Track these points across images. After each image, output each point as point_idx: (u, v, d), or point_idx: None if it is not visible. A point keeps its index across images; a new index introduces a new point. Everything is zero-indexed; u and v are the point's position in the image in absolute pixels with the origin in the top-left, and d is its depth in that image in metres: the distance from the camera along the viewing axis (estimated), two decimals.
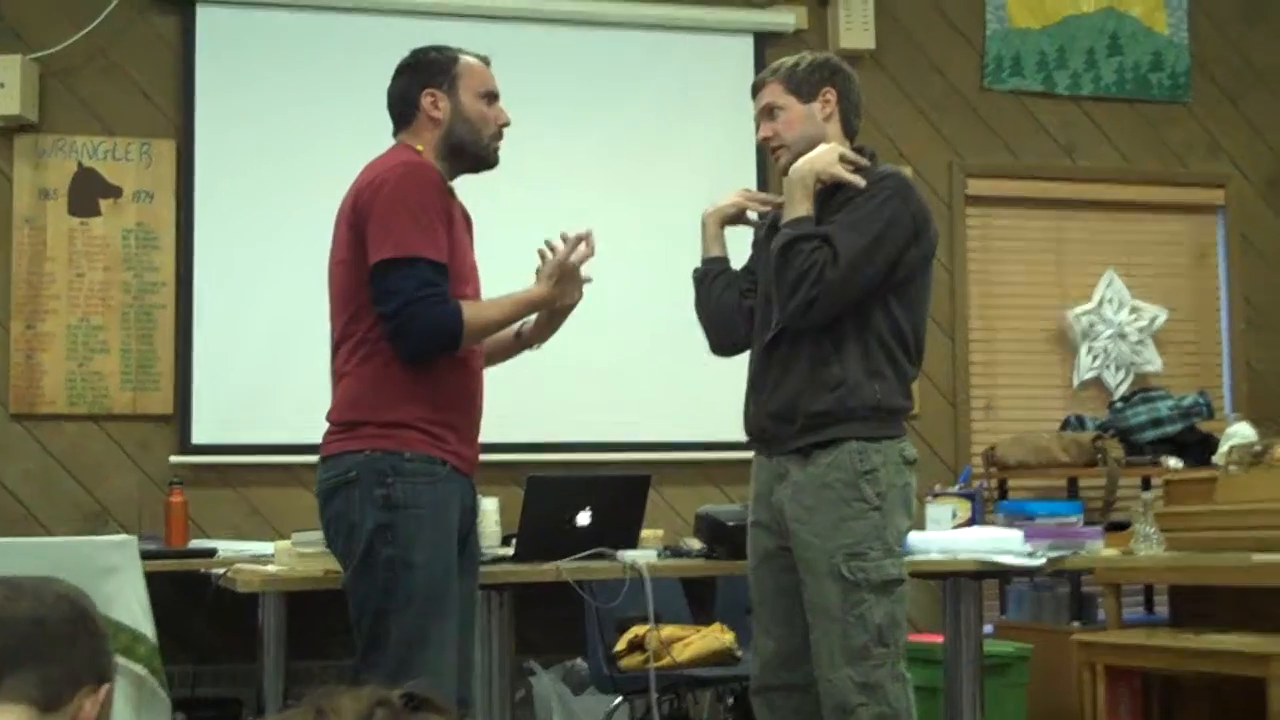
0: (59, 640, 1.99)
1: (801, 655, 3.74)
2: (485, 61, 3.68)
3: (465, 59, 3.64)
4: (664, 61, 6.79)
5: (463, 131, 3.60)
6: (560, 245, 3.67)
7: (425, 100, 3.58)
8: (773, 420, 3.76)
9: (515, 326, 3.84)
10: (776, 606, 3.82)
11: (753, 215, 4.00)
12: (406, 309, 3.36)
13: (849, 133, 3.86)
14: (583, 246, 3.66)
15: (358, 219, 3.46)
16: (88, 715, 2.01)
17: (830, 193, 3.73)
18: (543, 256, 3.70)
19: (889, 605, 3.66)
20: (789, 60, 3.88)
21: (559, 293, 3.65)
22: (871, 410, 3.69)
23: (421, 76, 3.61)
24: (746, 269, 4.03)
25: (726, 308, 3.96)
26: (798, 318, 3.65)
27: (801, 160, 3.74)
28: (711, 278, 3.98)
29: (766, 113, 3.84)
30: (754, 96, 3.91)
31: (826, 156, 3.72)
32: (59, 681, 1.99)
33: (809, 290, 3.60)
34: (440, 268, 3.42)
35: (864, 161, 3.77)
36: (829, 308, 3.62)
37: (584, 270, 3.71)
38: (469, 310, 3.45)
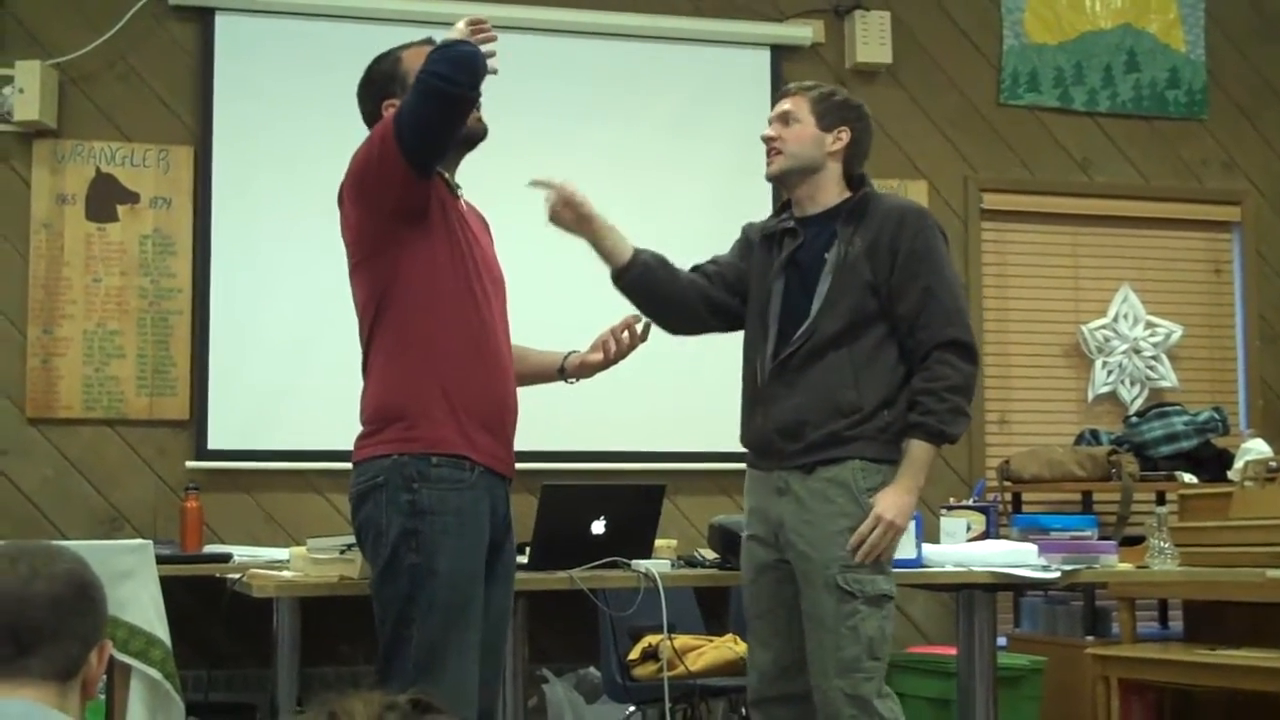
0: (73, 615, 2.07)
1: (799, 666, 3.80)
2: (430, 42, 3.49)
3: (409, 54, 3.54)
4: (681, 74, 6.80)
5: None
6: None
7: (388, 113, 3.44)
8: (779, 435, 3.79)
9: (559, 360, 3.88)
10: (774, 619, 3.86)
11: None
12: (419, 94, 3.26)
13: (847, 174, 3.92)
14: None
15: (350, 197, 3.44)
16: (95, 672, 2.12)
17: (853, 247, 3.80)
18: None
19: (880, 620, 3.71)
20: (826, 87, 3.98)
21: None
22: (878, 431, 3.76)
23: (377, 90, 3.56)
24: (712, 267, 4.05)
25: (684, 291, 3.97)
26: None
27: None
28: (646, 267, 3.92)
29: (782, 118, 3.91)
30: (777, 100, 3.98)
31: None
32: (76, 653, 2.08)
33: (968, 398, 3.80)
34: None
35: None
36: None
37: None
38: (437, 46, 3.31)
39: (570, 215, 3.85)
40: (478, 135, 3.58)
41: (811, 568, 3.70)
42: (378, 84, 3.58)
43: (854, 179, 3.92)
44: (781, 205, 4.01)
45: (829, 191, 3.89)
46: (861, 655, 3.66)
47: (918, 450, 3.75)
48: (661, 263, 3.98)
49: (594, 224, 3.87)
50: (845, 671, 3.65)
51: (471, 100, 3.36)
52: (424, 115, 3.28)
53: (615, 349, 3.86)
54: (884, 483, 3.74)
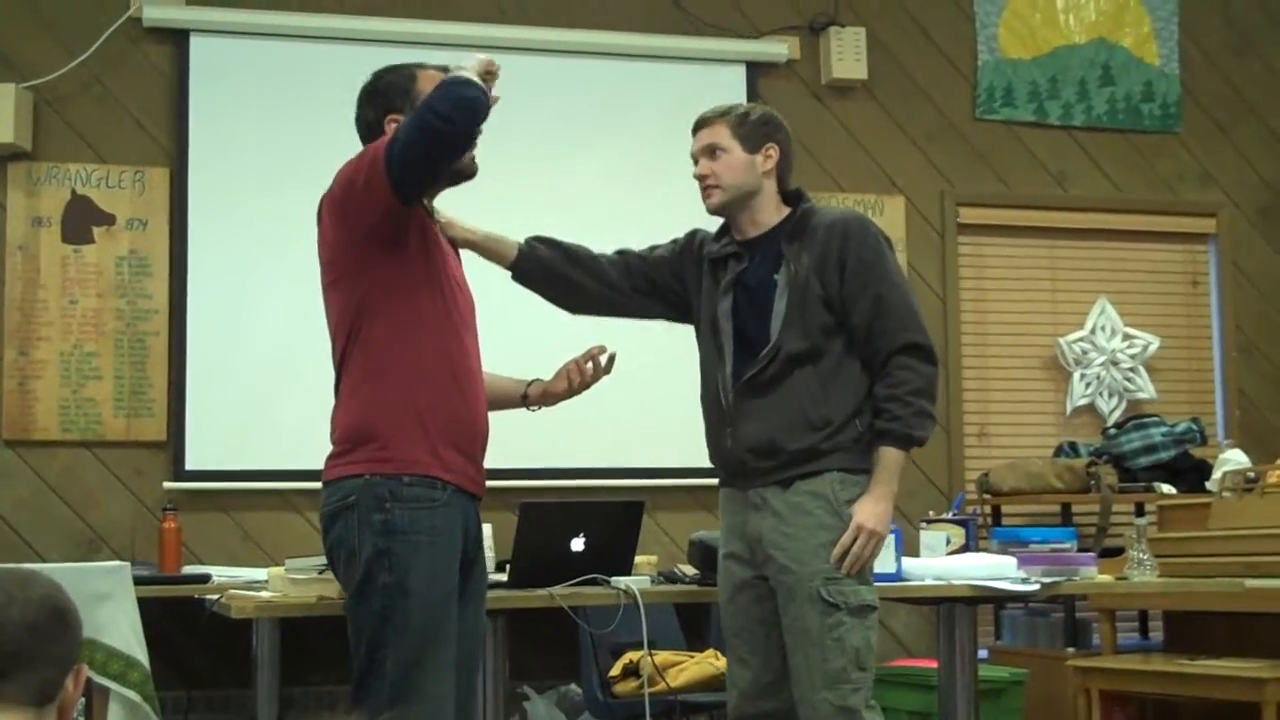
0: (48, 641, 2.07)
1: (778, 683, 3.80)
2: (445, 72, 3.53)
3: (424, 76, 3.54)
4: (657, 91, 6.80)
5: None
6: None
7: (390, 128, 3.47)
8: (753, 454, 3.79)
9: (523, 388, 3.88)
10: (751, 636, 3.85)
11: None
12: (416, 127, 3.26)
13: (781, 188, 3.92)
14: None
15: (327, 222, 3.44)
16: (72, 697, 2.11)
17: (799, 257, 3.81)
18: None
19: (864, 631, 3.71)
20: (739, 107, 3.96)
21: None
22: (853, 442, 3.77)
23: (384, 102, 3.54)
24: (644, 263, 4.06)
25: (574, 273, 3.98)
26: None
27: None
28: (533, 257, 3.94)
29: (708, 151, 3.88)
30: (695, 132, 3.93)
31: None
32: (52, 679, 2.07)
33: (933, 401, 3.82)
34: None
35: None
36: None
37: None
38: (445, 81, 3.31)
39: (456, 235, 3.82)
40: (467, 174, 3.59)
41: (794, 580, 3.70)
42: (385, 96, 3.57)
43: (789, 194, 3.92)
44: (721, 228, 4.00)
45: (768, 212, 3.89)
46: (848, 666, 3.66)
47: (888, 457, 3.76)
48: (552, 247, 3.98)
49: (475, 243, 3.87)
50: (833, 683, 3.65)
51: (467, 142, 3.37)
52: (416, 148, 3.27)
53: (579, 379, 3.88)
54: (861, 493, 3.75)
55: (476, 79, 3.32)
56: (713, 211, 3.93)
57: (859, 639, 3.68)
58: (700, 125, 3.92)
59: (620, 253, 4.07)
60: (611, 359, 3.88)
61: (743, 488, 3.84)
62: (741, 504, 3.84)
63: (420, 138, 3.26)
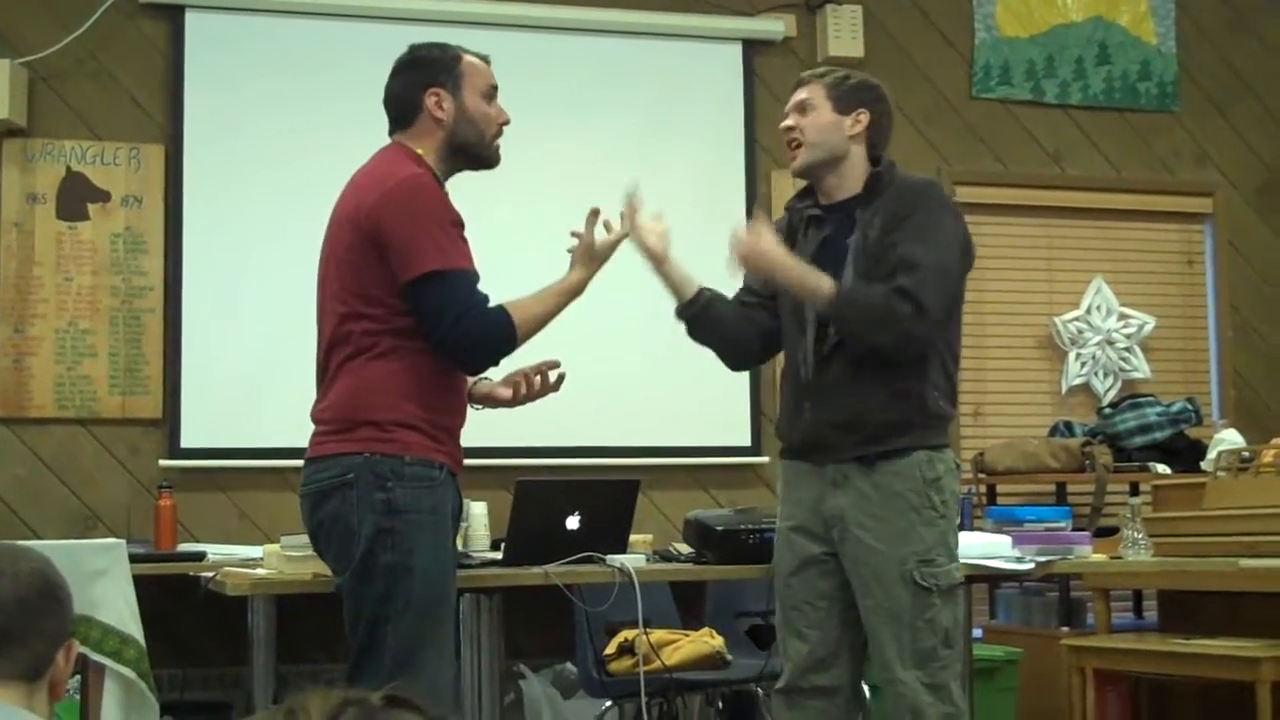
0: (39, 615, 2.07)
1: (832, 659, 3.81)
2: (486, 60, 3.66)
3: (468, 58, 3.62)
4: (653, 69, 6.79)
5: (467, 132, 3.57)
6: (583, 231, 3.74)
7: (429, 100, 3.53)
8: (834, 429, 3.74)
9: (469, 385, 3.84)
10: (814, 611, 3.84)
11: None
12: (460, 323, 3.35)
13: (871, 157, 3.88)
14: (603, 229, 3.74)
15: (369, 225, 3.40)
16: (63, 672, 2.12)
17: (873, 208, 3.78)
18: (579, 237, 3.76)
19: (954, 609, 3.75)
20: (840, 71, 3.96)
21: (594, 270, 3.66)
22: (933, 418, 3.75)
23: (425, 75, 3.56)
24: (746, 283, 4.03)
25: (739, 327, 3.97)
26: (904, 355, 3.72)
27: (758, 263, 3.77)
28: (704, 307, 3.92)
29: (799, 108, 3.87)
30: (793, 90, 3.92)
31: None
32: (43, 654, 2.08)
33: (901, 346, 3.69)
34: (476, 277, 3.43)
35: None
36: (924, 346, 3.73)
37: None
38: (516, 311, 3.44)
39: (656, 244, 3.86)
40: (490, 164, 3.66)
41: (883, 562, 3.68)
42: (428, 69, 3.58)
43: (875, 162, 3.88)
44: (804, 189, 3.96)
45: (855, 178, 3.84)
46: (938, 646, 3.69)
47: (815, 281, 3.67)
48: (723, 299, 3.98)
49: (668, 258, 3.89)
50: (923, 662, 3.68)
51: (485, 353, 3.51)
52: (468, 340, 3.40)
53: (524, 391, 3.81)
54: (945, 471, 3.75)
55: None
56: (797, 172, 3.91)
57: (949, 619, 3.71)
58: (798, 85, 3.92)
59: (754, 304, 4.01)
60: (560, 379, 3.82)
61: (819, 462, 3.79)
62: (817, 479, 3.80)
63: (475, 340, 3.40)
